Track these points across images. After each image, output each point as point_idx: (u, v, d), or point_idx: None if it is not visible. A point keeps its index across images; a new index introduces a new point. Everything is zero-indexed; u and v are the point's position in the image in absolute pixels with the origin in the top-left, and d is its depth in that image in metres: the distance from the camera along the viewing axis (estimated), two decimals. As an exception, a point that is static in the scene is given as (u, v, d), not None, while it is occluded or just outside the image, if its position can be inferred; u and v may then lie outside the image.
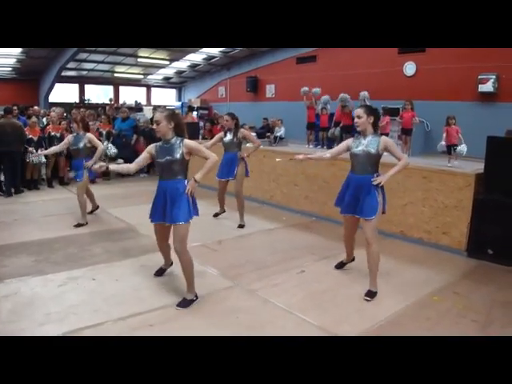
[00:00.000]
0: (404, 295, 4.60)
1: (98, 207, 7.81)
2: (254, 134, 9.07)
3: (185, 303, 4.26)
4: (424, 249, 6.16)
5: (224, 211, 7.60)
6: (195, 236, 6.45)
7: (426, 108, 10.53)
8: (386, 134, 10.11)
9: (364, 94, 10.27)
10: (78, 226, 6.86)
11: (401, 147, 10.20)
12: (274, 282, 4.88)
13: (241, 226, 7.15)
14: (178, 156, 4.17)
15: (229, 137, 7.01)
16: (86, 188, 7.20)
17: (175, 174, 4.22)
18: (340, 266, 5.31)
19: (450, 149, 8.18)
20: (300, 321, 4.03)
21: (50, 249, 5.79)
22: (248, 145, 7.54)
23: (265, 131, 14.51)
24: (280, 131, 13.28)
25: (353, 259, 5.28)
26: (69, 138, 7.17)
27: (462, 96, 11.36)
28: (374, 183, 4.41)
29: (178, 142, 4.21)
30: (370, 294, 4.52)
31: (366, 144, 4.49)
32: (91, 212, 7.62)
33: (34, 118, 10.21)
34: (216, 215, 7.62)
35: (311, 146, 11.37)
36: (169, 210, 4.17)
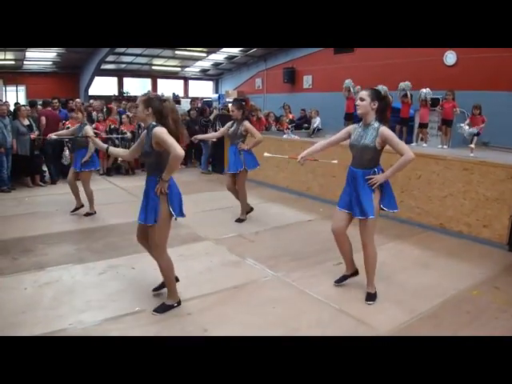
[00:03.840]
0: (443, 288, 4.53)
1: (82, 206, 7.37)
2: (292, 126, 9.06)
3: (162, 308, 3.93)
4: (464, 242, 6.04)
5: (252, 209, 7.18)
6: (232, 227, 6.55)
7: (467, 98, 10.27)
8: (425, 125, 9.98)
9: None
10: (87, 214, 7.11)
11: (440, 138, 10.03)
12: (310, 273, 4.87)
13: (239, 220, 6.97)
14: (146, 148, 3.76)
15: (233, 128, 6.78)
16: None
17: (150, 169, 3.86)
18: (342, 280, 4.57)
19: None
20: (336, 312, 4.02)
21: (90, 238, 5.93)
22: (294, 136, 7.11)
23: (302, 122, 14.47)
24: (316, 122, 13.22)
25: (356, 272, 4.58)
26: (75, 127, 7.16)
27: (504, 85, 11.05)
28: (368, 183, 4.01)
29: (150, 130, 3.72)
30: (369, 297, 4.23)
31: (362, 134, 4.07)
32: (75, 210, 7.33)
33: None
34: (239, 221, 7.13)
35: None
36: (143, 210, 3.84)
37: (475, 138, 8.42)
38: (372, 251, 4.17)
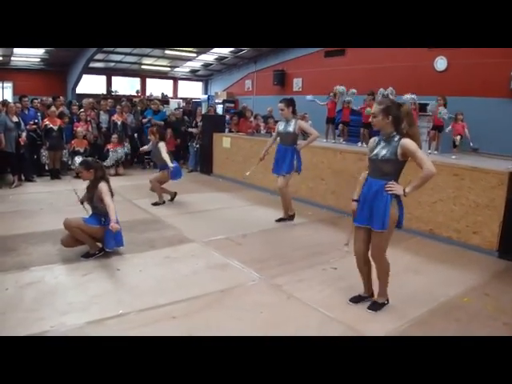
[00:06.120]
0: (433, 295, 4.48)
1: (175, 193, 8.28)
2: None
3: (375, 306, 4.12)
4: (453, 248, 6.00)
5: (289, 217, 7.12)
6: (219, 229, 6.44)
7: (457, 104, 10.25)
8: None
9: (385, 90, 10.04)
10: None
11: (429, 143, 10.00)
12: (298, 277, 4.80)
13: (284, 219, 7.01)
14: (388, 154, 3.80)
15: (284, 127, 6.61)
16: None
17: (380, 174, 3.88)
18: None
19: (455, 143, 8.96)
20: (325, 318, 3.94)
21: (74, 238, 5.78)
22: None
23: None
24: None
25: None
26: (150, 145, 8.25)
27: (494, 92, 11.07)
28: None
29: (395, 141, 3.79)
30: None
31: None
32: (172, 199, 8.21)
33: (53, 108, 10.33)
34: (280, 220, 7.09)
35: (332, 141, 11.10)
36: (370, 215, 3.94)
37: (458, 139, 8.82)
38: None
